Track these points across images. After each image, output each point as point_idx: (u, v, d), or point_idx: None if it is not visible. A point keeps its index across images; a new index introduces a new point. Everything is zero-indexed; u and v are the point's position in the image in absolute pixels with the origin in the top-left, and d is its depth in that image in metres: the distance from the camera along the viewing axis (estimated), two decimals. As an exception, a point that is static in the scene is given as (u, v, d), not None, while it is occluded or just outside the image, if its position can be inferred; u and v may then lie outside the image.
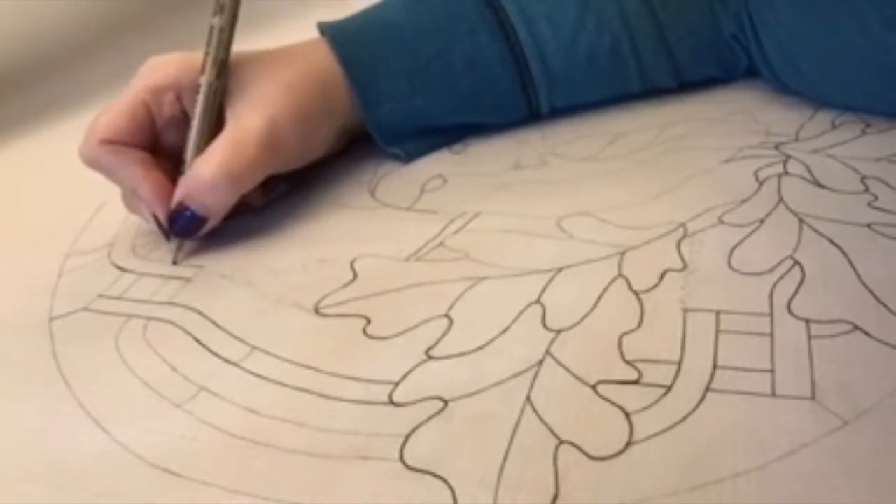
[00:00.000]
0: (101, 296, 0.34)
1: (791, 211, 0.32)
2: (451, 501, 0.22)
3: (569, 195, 0.35)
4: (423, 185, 0.39)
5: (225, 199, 0.35)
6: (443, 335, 0.28)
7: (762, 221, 0.32)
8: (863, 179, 0.33)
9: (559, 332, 0.27)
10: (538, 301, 0.29)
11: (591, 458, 0.22)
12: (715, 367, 0.25)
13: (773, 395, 0.24)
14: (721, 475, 0.21)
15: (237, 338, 0.30)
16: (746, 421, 0.23)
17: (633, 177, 0.36)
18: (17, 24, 0.59)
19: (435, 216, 0.36)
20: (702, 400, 0.24)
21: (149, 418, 0.27)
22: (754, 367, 0.25)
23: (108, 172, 0.36)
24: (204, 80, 0.35)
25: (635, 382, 0.25)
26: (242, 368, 0.28)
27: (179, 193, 0.35)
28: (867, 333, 0.25)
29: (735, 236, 0.31)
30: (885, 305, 0.26)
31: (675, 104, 0.41)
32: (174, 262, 0.35)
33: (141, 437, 0.26)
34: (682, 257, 0.30)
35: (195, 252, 0.36)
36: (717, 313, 0.27)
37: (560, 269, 0.31)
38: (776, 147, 0.37)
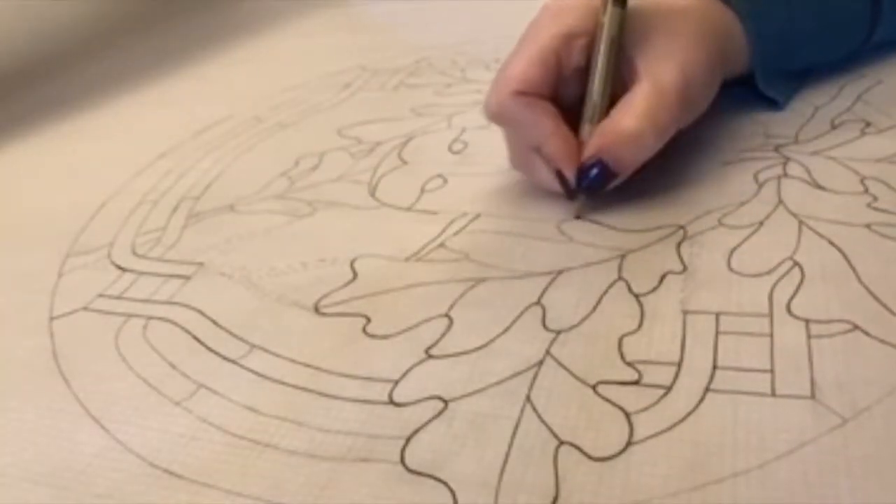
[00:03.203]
0: (101, 295, 0.34)
1: (790, 212, 0.32)
2: (451, 503, 0.22)
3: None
4: (423, 185, 0.39)
5: (645, 153, 0.33)
6: (443, 334, 0.28)
7: (762, 223, 0.32)
8: (862, 180, 0.33)
9: (559, 332, 0.27)
10: (538, 302, 0.29)
11: (591, 458, 0.23)
12: (715, 367, 0.25)
13: (773, 394, 0.24)
14: (721, 475, 0.21)
15: (237, 336, 0.30)
16: (746, 421, 0.23)
17: (632, 179, 0.36)
18: (18, 25, 0.59)
19: (435, 217, 0.36)
20: (702, 400, 0.24)
21: (148, 417, 0.27)
22: (754, 368, 0.25)
23: (516, 126, 0.34)
24: (606, 22, 0.33)
25: (635, 383, 0.25)
26: (242, 367, 0.28)
27: (594, 146, 0.32)
28: (866, 333, 0.25)
29: (735, 238, 0.31)
30: (884, 305, 0.26)
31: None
32: (577, 217, 0.34)
33: (141, 436, 0.26)
34: (681, 259, 0.30)
35: (196, 251, 0.36)
36: (717, 315, 0.27)
37: (560, 272, 0.31)
38: (776, 149, 0.37)
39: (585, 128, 0.34)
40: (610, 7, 0.33)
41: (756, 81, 0.39)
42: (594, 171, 0.33)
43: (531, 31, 0.34)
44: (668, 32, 0.34)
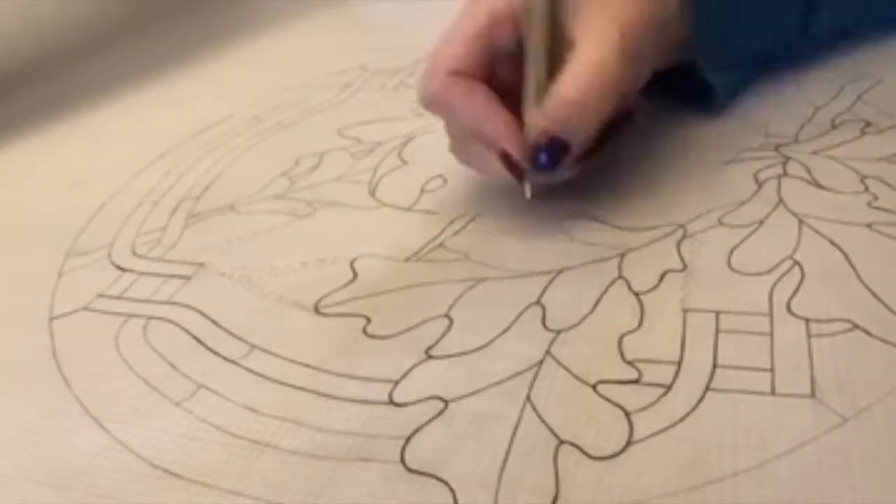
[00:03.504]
0: (101, 295, 0.34)
1: (791, 212, 0.32)
2: (451, 502, 0.22)
3: (569, 196, 0.35)
4: (423, 185, 0.39)
5: (593, 120, 0.31)
6: (443, 335, 0.28)
7: (762, 222, 0.32)
8: (862, 180, 0.33)
9: (559, 332, 0.27)
10: (538, 302, 0.29)
11: (591, 457, 0.23)
12: (715, 366, 0.25)
13: (773, 393, 0.24)
14: (721, 475, 0.21)
15: (237, 337, 0.30)
16: (746, 420, 0.23)
17: (632, 178, 0.36)
18: (18, 25, 0.59)
19: (435, 217, 0.36)
20: (702, 399, 0.24)
21: (148, 417, 0.27)
22: (754, 367, 0.25)
23: (452, 109, 0.33)
24: None
25: (635, 382, 0.25)
26: (242, 367, 0.28)
27: (543, 120, 0.31)
28: (867, 332, 0.25)
29: (735, 237, 0.31)
30: (884, 304, 0.26)
31: (673, 106, 0.41)
32: (532, 197, 0.33)
33: (141, 436, 0.26)
34: (682, 258, 0.30)
35: (196, 251, 0.36)
36: (717, 313, 0.27)
37: (560, 271, 0.31)
38: (776, 149, 0.37)
39: (530, 108, 0.32)
40: None
41: (697, 63, 0.38)
42: (547, 145, 0.31)
43: (460, 16, 0.33)
44: None
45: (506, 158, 0.32)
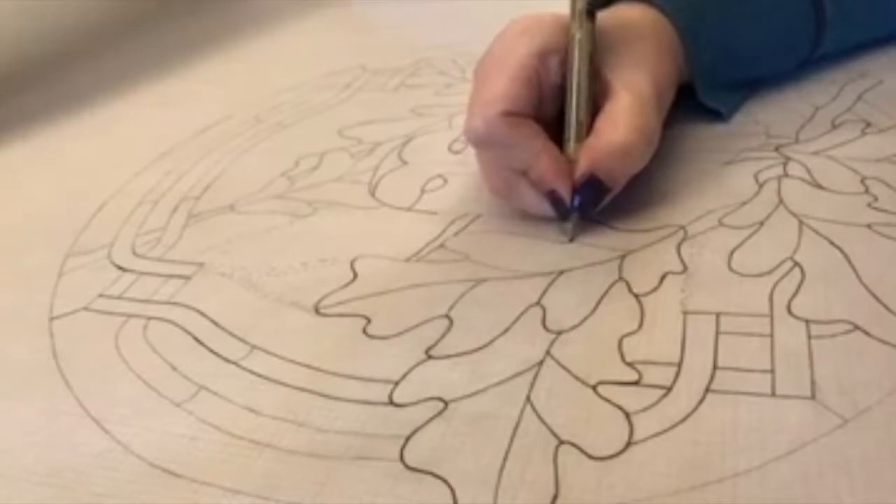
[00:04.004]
0: (101, 295, 0.34)
1: (791, 212, 0.32)
2: (451, 501, 0.22)
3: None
4: (423, 185, 0.39)
5: (637, 164, 0.32)
6: (443, 335, 0.28)
7: (762, 223, 0.32)
8: (863, 180, 0.33)
9: (559, 333, 0.27)
10: (538, 303, 0.29)
11: (591, 458, 0.23)
12: (715, 367, 0.25)
13: (774, 395, 0.24)
14: (721, 475, 0.21)
15: (237, 337, 0.30)
16: (747, 421, 0.23)
17: (633, 180, 0.36)
18: (18, 25, 0.59)
19: (435, 217, 0.36)
20: (702, 400, 0.24)
21: (149, 418, 0.27)
22: (754, 368, 0.25)
23: (504, 148, 0.32)
24: (579, 38, 0.33)
25: (635, 383, 0.25)
26: (242, 368, 0.28)
27: (585, 163, 0.32)
28: (867, 333, 0.25)
29: (735, 238, 0.31)
30: (884, 305, 0.26)
31: (673, 106, 0.41)
32: (571, 240, 0.33)
33: (141, 436, 0.26)
34: (682, 260, 0.30)
35: (196, 251, 0.36)
36: (717, 315, 0.27)
37: (561, 272, 0.31)
38: (776, 149, 0.37)
39: (571, 146, 0.33)
40: (584, 23, 0.33)
41: (697, 93, 0.39)
42: (588, 188, 0.32)
43: (505, 50, 0.33)
44: (634, 43, 0.35)
45: (553, 197, 0.32)
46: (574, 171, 0.32)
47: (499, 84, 0.32)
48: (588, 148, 0.32)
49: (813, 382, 0.24)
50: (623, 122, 0.32)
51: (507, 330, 0.28)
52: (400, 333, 0.29)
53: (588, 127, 0.33)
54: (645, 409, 0.24)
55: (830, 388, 0.23)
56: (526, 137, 0.32)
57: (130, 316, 0.32)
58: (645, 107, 0.33)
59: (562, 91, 0.33)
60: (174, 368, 0.29)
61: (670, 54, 0.36)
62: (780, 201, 0.33)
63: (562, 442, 0.23)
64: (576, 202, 0.32)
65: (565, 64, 0.33)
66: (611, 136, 0.32)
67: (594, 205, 0.32)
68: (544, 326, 0.28)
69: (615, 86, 0.33)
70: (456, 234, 0.34)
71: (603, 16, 0.35)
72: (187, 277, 0.34)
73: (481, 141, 0.33)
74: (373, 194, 0.39)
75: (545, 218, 0.34)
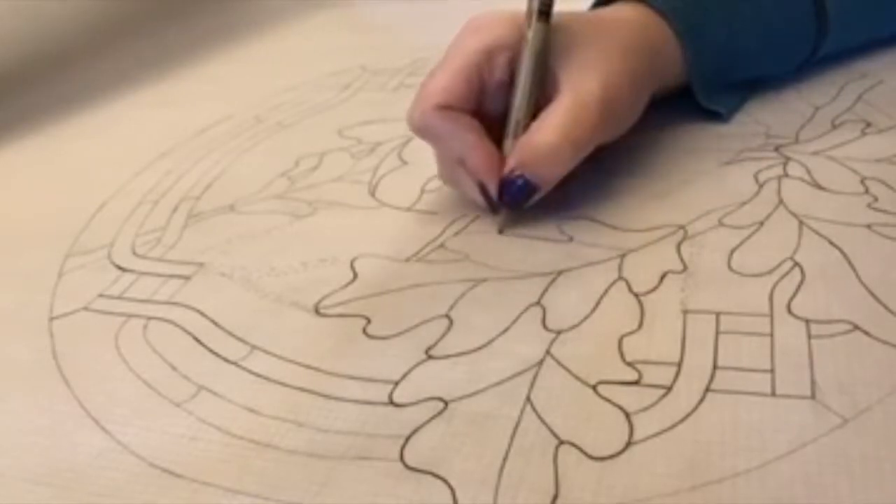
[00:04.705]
0: (101, 295, 0.34)
1: (791, 213, 0.32)
2: (451, 501, 0.22)
3: (569, 197, 0.35)
4: (423, 185, 0.39)
5: (562, 168, 0.33)
6: (443, 335, 0.28)
7: (762, 223, 0.32)
8: (863, 181, 0.33)
9: (559, 332, 0.27)
10: (538, 302, 0.29)
11: (591, 458, 0.23)
12: (715, 367, 0.25)
13: (774, 394, 0.24)
14: (721, 475, 0.21)
15: (237, 337, 0.30)
16: (746, 421, 0.23)
17: (633, 179, 0.36)
18: (18, 25, 0.59)
19: (435, 217, 0.36)
20: (702, 400, 0.24)
21: (149, 418, 0.27)
22: (754, 368, 0.25)
23: (438, 139, 0.34)
24: (530, 37, 0.33)
25: (635, 383, 0.25)
26: (242, 368, 0.28)
27: (513, 161, 0.32)
28: (867, 333, 0.25)
29: (735, 238, 0.31)
30: (884, 305, 0.26)
31: (673, 106, 0.41)
32: (500, 232, 0.34)
33: (141, 436, 0.26)
34: (682, 259, 0.30)
35: (196, 251, 0.36)
36: (717, 314, 0.27)
37: (560, 272, 0.31)
38: (776, 149, 0.37)
39: (508, 143, 0.33)
40: (534, 22, 0.33)
41: (695, 95, 0.39)
42: (515, 185, 0.32)
43: (454, 46, 0.34)
44: (591, 45, 0.34)
45: (483, 190, 0.33)
46: (504, 168, 0.33)
47: (439, 78, 0.33)
48: (518, 146, 0.33)
49: (813, 382, 0.24)
50: (554, 125, 0.32)
51: (506, 330, 0.28)
52: (400, 333, 0.29)
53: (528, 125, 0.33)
54: (645, 409, 0.24)
55: (830, 388, 0.23)
56: (459, 130, 0.33)
57: (130, 316, 0.32)
58: (584, 111, 0.32)
59: (510, 88, 0.34)
60: (174, 368, 0.29)
61: (641, 59, 0.36)
62: (780, 201, 0.33)
63: (562, 442, 0.23)
64: (504, 198, 0.33)
65: (514, 62, 0.34)
66: (539, 137, 0.32)
67: (522, 202, 0.33)
68: (544, 326, 0.28)
69: (562, 86, 0.33)
70: (456, 234, 0.34)
71: (584, 14, 0.36)
72: (187, 277, 0.34)
73: (418, 131, 0.34)
74: (373, 194, 0.39)
75: (545, 218, 0.34)
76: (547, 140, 0.32)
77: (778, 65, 0.42)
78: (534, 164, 0.32)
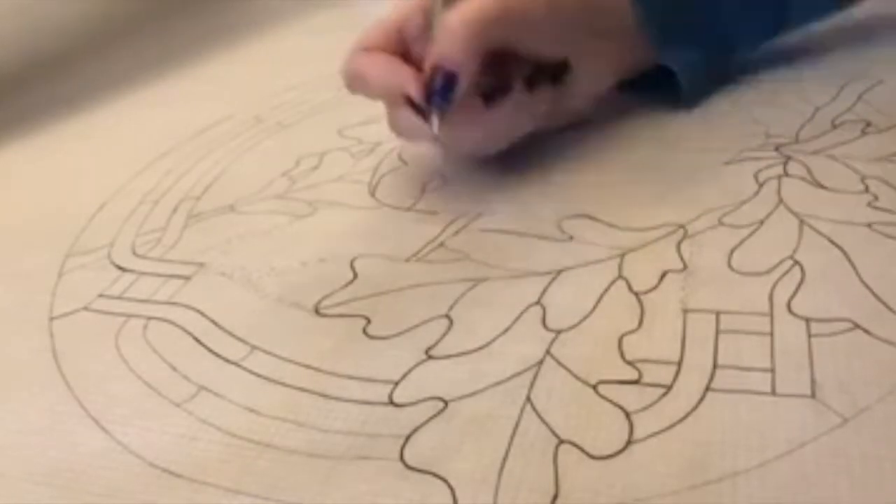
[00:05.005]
0: (101, 295, 0.34)
1: (791, 212, 0.32)
2: (451, 501, 0.22)
3: (569, 196, 0.35)
4: (423, 185, 0.39)
5: (468, 45, 0.33)
6: (443, 335, 0.28)
7: (762, 222, 0.32)
8: (863, 179, 0.33)
9: (559, 332, 0.27)
10: (538, 302, 0.29)
11: (591, 457, 0.22)
12: (715, 366, 0.25)
13: (774, 393, 0.24)
14: (721, 474, 0.21)
15: (237, 337, 0.30)
16: (747, 420, 0.23)
17: (633, 178, 0.36)
18: (18, 25, 0.59)
19: (435, 217, 0.36)
20: (702, 399, 0.24)
21: (149, 418, 0.27)
22: (754, 367, 0.25)
23: (364, 78, 0.36)
24: None
25: (635, 382, 0.25)
26: (242, 368, 0.28)
27: (431, 56, 0.34)
28: (867, 332, 0.25)
29: (735, 237, 0.31)
30: (885, 304, 0.26)
31: (673, 106, 0.41)
32: (436, 139, 0.35)
33: (141, 436, 0.26)
34: (682, 258, 0.30)
35: (196, 251, 0.36)
36: (717, 313, 0.27)
37: (560, 271, 0.31)
38: (776, 149, 0.37)
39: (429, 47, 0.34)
40: None
41: (649, 39, 0.39)
42: (434, 82, 0.33)
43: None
44: None
45: (410, 103, 0.34)
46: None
47: (362, 32, 0.36)
48: (432, 40, 0.34)
49: (813, 381, 0.24)
50: (460, 7, 0.33)
51: (506, 330, 0.28)
52: (400, 333, 0.29)
53: None
54: (645, 408, 0.24)
55: (830, 387, 0.23)
56: (381, 62, 0.35)
57: (130, 316, 0.32)
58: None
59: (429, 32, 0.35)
60: (174, 368, 0.29)
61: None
62: (781, 200, 0.33)
63: (562, 441, 0.23)
64: (432, 99, 0.33)
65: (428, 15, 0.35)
66: (446, 20, 0.33)
67: (447, 96, 0.33)
68: (544, 326, 0.28)
69: None
70: (456, 233, 0.34)
71: None
72: (187, 277, 0.34)
73: (346, 79, 0.36)
74: (373, 194, 0.39)
75: (544, 217, 0.34)
76: (451, 19, 0.33)
77: (738, 22, 0.41)
78: (446, 49, 0.33)
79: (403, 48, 0.36)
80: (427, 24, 0.35)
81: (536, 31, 0.36)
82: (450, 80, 0.33)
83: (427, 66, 0.34)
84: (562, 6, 0.36)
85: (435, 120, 0.34)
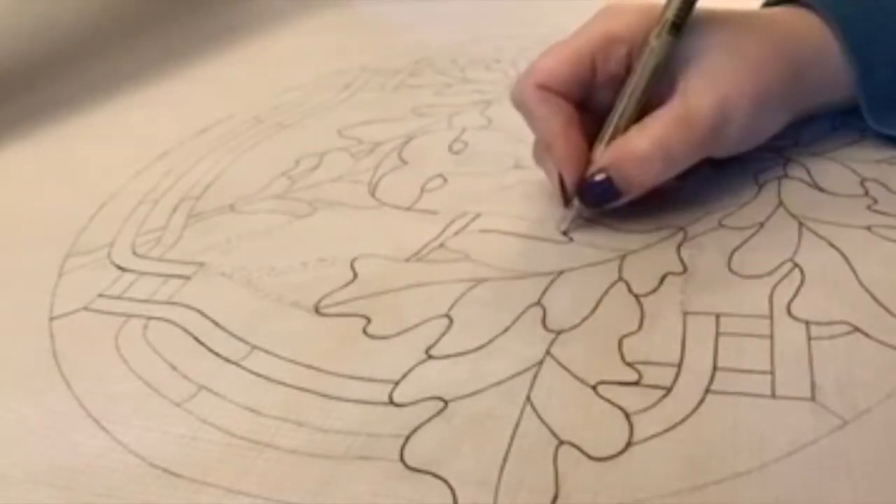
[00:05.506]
0: (101, 295, 0.34)
1: (791, 214, 0.32)
2: (451, 501, 0.22)
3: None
4: (423, 185, 0.39)
5: (652, 178, 0.31)
6: (443, 335, 0.28)
7: (762, 225, 0.32)
8: (862, 182, 0.33)
9: (559, 333, 0.27)
10: (538, 302, 0.29)
11: (591, 458, 0.23)
12: (715, 368, 0.25)
13: (773, 396, 0.24)
14: (721, 475, 0.21)
15: (237, 337, 0.30)
16: (746, 422, 0.23)
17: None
18: (20, 24, 0.59)
19: (435, 217, 0.36)
20: (702, 401, 0.24)
21: (149, 418, 0.27)
22: (754, 369, 0.25)
23: (530, 118, 0.33)
24: (654, 46, 0.31)
25: (635, 384, 0.25)
26: (242, 368, 0.28)
27: (604, 159, 0.31)
28: (866, 334, 0.25)
29: (735, 239, 0.31)
30: (884, 307, 0.26)
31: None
32: (564, 233, 0.33)
33: (141, 436, 0.26)
34: (682, 261, 0.30)
35: (196, 251, 0.36)
36: (717, 316, 0.27)
37: (560, 273, 0.31)
38: (776, 151, 0.37)
39: (600, 148, 0.32)
40: (664, 34, 0.31)
41: (865, 117, 0.35)
42: (598, 184, 0.31)
43: (581, 27, 0.33)
44: (722, 53, 0.31)
45: (561, 181, 0.32)
46: (591, 166, 0.32)
47: (549, 57, 0.32)
48: (612, 146, 0.31)
49: (813, 383, 0.24)
50: (652, 134, 0.30)
51: (507, 330, 0.28)
52: (400, 333, 0.29)
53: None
54: (645, 410, 0.24)
55: (830, 390, 0.23)
56: (548, 114, 0.32)
57: (130, 316, 0.32)
58: (688, 126, 0.30)
59: (621, 86, 0.32)
60: (174, 368, 0.29)
61: (783, 76, 0.32)
62: (780, 203, 0.33)
63: (562, 442, 0.23)
64: (585, 196, 0.32)
65: (631, 57, 0.32)
66: (635, 142, 0.31)
67: (602, 203, 0.32)
68: (544, 326, 0.28)
69: (676, 92, 0.31)
70: (456, 233, 0.34)
71: (731, 13, 0.33)
72: (187, 277, 0.34)
73: (514, 106, 0.34)
74: (373, 194, 0.39)
75: (545, 218, 0.34)
76: (642, 146, 0.30)
77: None
78: (621, 168, 0.31)
79: (582, 89, 0.33)
80: (629, 61, 0.32)
81: (743, 142, 0.33)
82: (612, 195, 0.31)
83: (604, 163, 0.31)
84: (770, 101, 0.32)
85: (571, 214, 0.33)
